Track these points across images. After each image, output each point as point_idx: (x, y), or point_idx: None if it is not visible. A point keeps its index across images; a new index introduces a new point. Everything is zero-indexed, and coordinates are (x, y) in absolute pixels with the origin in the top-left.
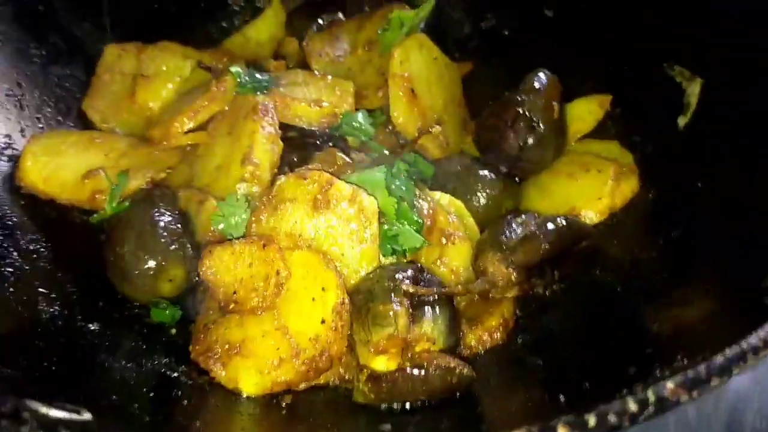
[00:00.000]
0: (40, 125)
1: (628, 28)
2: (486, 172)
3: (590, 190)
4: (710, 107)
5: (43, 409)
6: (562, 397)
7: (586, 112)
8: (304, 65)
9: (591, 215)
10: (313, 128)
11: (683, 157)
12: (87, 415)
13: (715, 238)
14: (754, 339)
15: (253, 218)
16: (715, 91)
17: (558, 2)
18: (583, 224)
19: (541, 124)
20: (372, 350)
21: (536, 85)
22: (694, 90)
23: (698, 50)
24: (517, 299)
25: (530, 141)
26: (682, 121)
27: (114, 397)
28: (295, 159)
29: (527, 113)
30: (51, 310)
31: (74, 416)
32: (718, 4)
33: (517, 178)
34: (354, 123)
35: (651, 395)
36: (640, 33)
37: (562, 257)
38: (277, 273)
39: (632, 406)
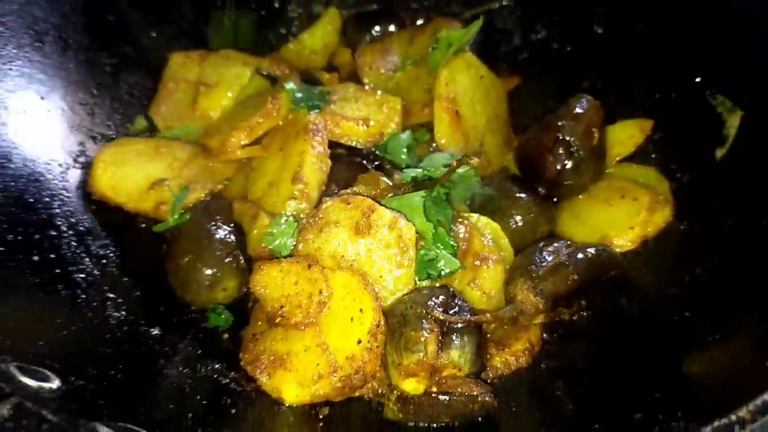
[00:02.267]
0: (111, 132)
1: (676, 51)
2: (523, 195)
3: (624, 218)
4: (748, 141)
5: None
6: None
7: (626, 135)
8: (356, 76)
9: (622, 243)
10: (359, 146)
11: (716, 191)
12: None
13: (737, 281)
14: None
15: (300, 238)
16: (755, 125)
17: (608, 19)
18: (613, 255)
19: (579, 150)
20: (402, 373)
21: (578, 110)
22: (734, 122)
23: (742, 81)
24: (544, 324)
25: (568, 165)
26: (719, 153)
27: (170, 406)
28: (342, 177)
29: (566, 138)
30: (118, 315)
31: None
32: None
33: (555, 199)
34: (398, 147)
35: None
36: (687, 58)
37: (589, 286)
38: (320, 292)
39: None
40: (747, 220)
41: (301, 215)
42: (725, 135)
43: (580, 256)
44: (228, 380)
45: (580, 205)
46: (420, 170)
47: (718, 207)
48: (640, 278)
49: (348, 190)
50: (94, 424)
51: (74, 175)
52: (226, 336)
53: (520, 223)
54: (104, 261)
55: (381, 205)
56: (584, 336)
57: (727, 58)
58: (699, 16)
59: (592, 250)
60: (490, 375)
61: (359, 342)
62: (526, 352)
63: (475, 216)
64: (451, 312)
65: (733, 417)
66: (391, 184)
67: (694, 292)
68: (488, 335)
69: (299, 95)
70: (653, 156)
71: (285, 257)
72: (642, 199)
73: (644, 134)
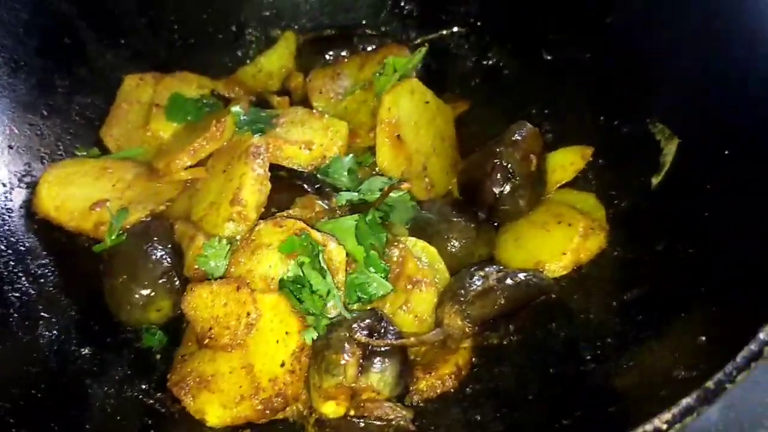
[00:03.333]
0: (60, 152)
1: (620, 79)
2: (461, 220)
3: (557, 244)
4: (682, 169)
5: None
6: None
7: (567, 162)
8: (307, 100)
9: (555, 268)
10: (301, 170)
11: (650, 218)
12: None
13: (662, 308)
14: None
15: (233, 260)
16: (689, 153)
17: (556, 46)
18: (543, 281)
19: (517, 176)
20: (322, 396)
21: (516, 137)
22: (670, 149)
23: (679, 109)
24: (475, 348)
25: (506, 191)
26: (655, 180)
27: (87, 426)
28: (282, 199)
29: (504, 164)
30: (49, 334)
31: None
32: (707, 66)
33: (496, 224)
34: (339, 170)
35: None
36: (630, 86)
37: (518, 311)
38: (248, 314)
39: None
40: (676, 246)
41: (237, 237)
42: (662, 162)
43: (509, 281)
44: (153, 401)
45: (520, 230)
46: (356, 194)
47: (650, 234)
48: (571, 303)
49: (283, 213)
50: None
51: (19, 195)
52: (158, 356)
53: (457, 247)
54: (42, 280)
55: (313, 228)
56: (512, 360)
57: (667, 87)
58: (642, 45)
59: (521, 276)
60: (415, 398)
61: (282, 364)
62: (453, 375)
63: (412, 240)
64: (375, 335)
65: None
66: (326, 207)
67: (620, 318)
68: (418, 359)
69: (244, 118)
70: (593, 182)
71: (217, 279)
72: (576, 225)
73: (585, 160)
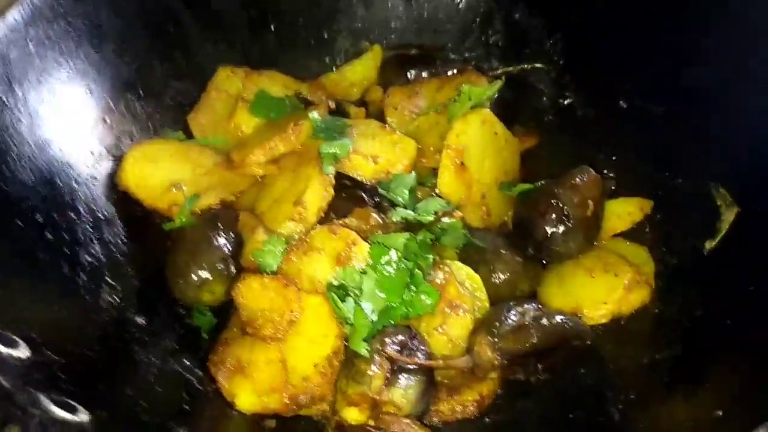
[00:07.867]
0: (149, 132)
1: (690, 139)
2: (509, 253)
3: (600, 292)
4: (737, 240)
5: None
6: None
7: (625, 212)
8: (382, 114)
9: (594, 316)
10: (365, 181)
11: (695, 281)
12: (84, 417)
13: (686, 373)
14: None
15: (285, 258)
16: (747, 224)
17: (633, 96)
18: (578, 326)
19: (571, 219)
20: (345, 401)
21: (577, 180)
22: (728, 217)
23: (744, 179)
24: (502, 380)
25: (558, 231)
26: (708, 245)
27: (129, 393)
28: (342, 207)
29: (560, 206)
30: (110, 299)
31: (73, 418)
32: None
33: (544, 261)
34: (400, 186)
35: None
36: (698, 146)
37: (550, 352)
38: (291, 311)
39: None
40: (714, 314)
41: (295, 236)
42: (718, 228)
43: (544, 321)
44: (192, 378)
45: (566, 271)
46: (411, 212)
47: (692, 297)
48: (604, 352)
49: (339, 221)
50: (36, 393)
51: (105, 167)
52: (205, 337)
53: (501, 279)
54: (112, 248)
55: (365, 240)
56: (537, 397)
57: (736, 154)
58: (716, 109)
59: (558, 318)
60: (435, 419)
61: (315, 365)
62: (476, 402)
63: (458, 264)
64: (406, 352)
65: None
66: (381, 221)
67: (648, 376)
68: (444, 380)
69: (320, 125)
70: (648, 235)
71: (269, 273)
72: (622, 277)
73: (643, 213)
